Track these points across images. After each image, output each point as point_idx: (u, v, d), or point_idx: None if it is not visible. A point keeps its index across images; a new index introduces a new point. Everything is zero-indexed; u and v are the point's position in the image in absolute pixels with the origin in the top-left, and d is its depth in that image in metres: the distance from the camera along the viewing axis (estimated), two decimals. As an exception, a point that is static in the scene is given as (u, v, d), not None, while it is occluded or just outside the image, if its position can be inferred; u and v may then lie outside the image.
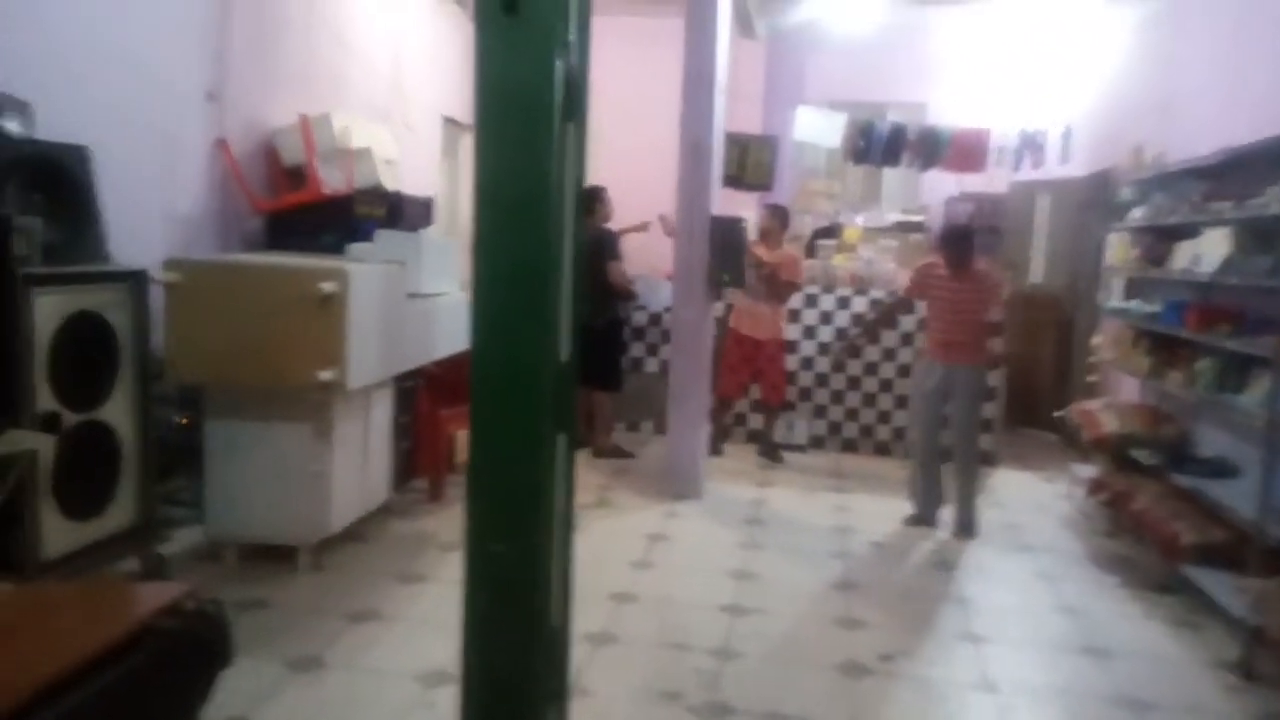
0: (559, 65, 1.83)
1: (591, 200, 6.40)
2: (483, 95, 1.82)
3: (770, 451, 6.64)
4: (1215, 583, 3.91)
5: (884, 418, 6.80)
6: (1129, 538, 4.84)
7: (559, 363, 2.11)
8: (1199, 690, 3.47)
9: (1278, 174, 4.16)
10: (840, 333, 6.62)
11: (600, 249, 6.27)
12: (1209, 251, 4.68)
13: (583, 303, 7.04)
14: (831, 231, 8.14)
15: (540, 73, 1.80)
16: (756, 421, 6.92)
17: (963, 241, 5.05)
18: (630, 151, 8.39)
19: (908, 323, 6.71)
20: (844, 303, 6.90)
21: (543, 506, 2.04)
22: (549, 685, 2.31)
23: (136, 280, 3.91)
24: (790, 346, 6.92)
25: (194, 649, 1.66)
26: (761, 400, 6.67)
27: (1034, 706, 3.33)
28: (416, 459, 5.20)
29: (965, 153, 6.43)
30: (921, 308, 5.68)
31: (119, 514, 3.78)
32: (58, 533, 3.45)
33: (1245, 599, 3.54)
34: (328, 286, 3.79)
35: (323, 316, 3.82)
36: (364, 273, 4.08)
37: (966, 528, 5.09)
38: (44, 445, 3.28)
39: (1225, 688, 3.48)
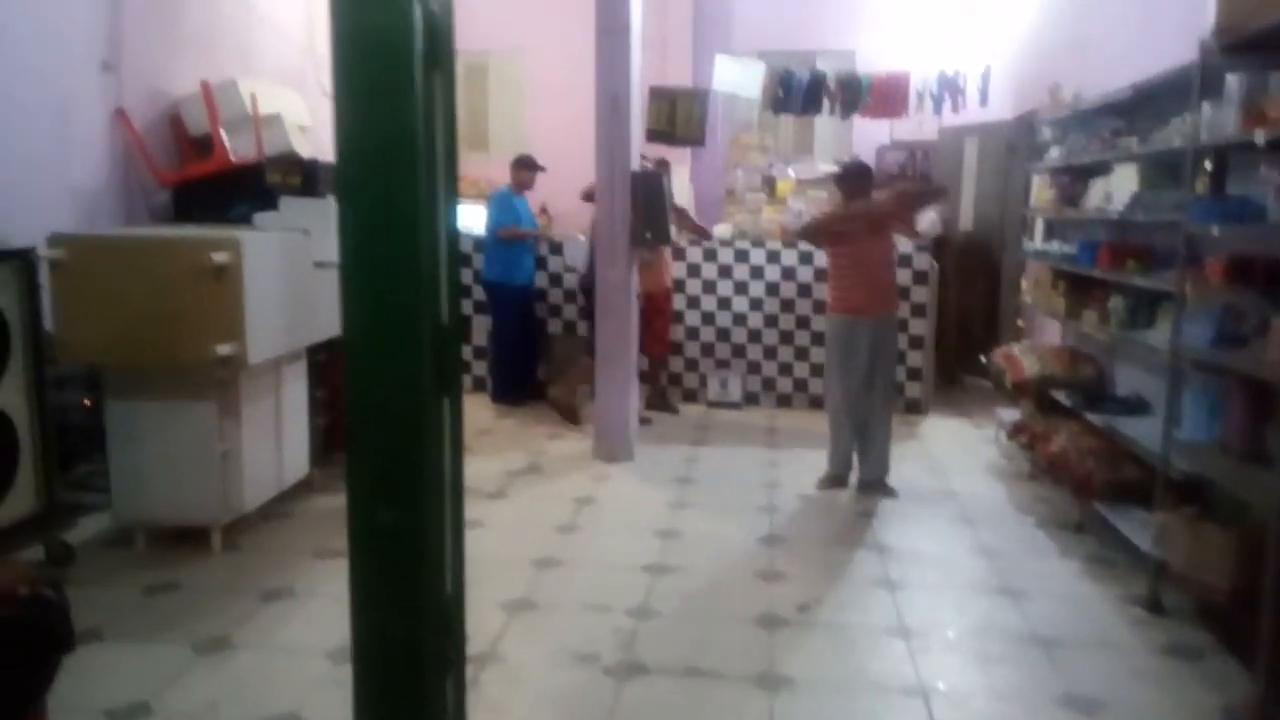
0: (418, 10, 1.76)
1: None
2: (339, 45, 1.75)
3: (662, 402, 6.73)
4: (1126, 520, 3.97)
5: (817, 371, 6.81)
6: (1047, 479, 4.90)
7: (438, 324, 2.05)
8: (1107, 625, 3.53)
9: (1182, 107, 4.16)
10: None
11: None
12: (1120, 189, 4.69)
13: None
14: (770, 185, 8.05)
15: (397, 18, 1.73)
16: (692, 380, 6.94)
17: (859, 177, 5.06)
18: (559, 105, 8.26)
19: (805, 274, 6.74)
20: (774, 256, 6.87)
21: (427, 473, 1.99)
22: (444, 655, 2.27)
23: (23, 259, 3.77)
24: (723, 303, 6.91)
25: (26, 635, 1.59)
26: (645, 351, 6.48)
27: (946, 648, 3.36)
28: (336, 434, 5.10)
29: (886, 98, 6.40)
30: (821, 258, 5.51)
31: (18, 502, 3.67)
32: (-53, 525, 3.34)
33: (1151, 534, 3.59)
34: (220, 257, 3.67)
35: (218, 288, 3.71)
36: (260, 241, 3.96)
37: (882, 481, 5.02)
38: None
39: (1133, 622, 3.55)
